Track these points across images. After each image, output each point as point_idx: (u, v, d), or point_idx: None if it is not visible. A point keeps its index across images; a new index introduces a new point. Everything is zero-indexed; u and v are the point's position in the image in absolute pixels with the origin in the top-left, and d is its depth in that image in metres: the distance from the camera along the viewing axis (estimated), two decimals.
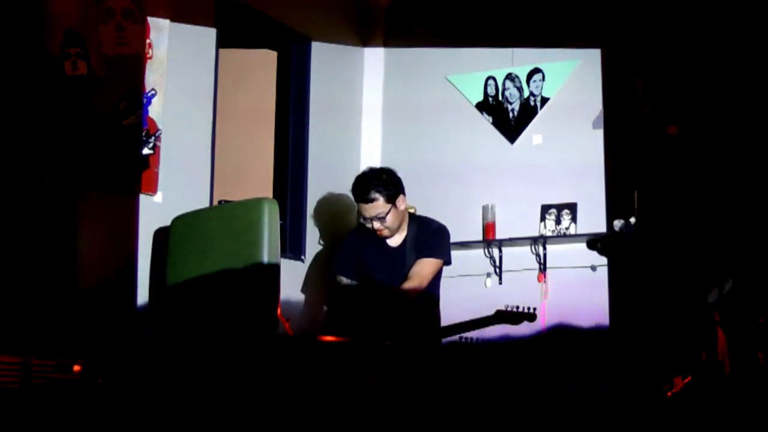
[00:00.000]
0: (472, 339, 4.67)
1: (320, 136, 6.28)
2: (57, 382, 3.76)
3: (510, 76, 6.37)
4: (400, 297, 4.47)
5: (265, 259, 3.75)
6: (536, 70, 6.30)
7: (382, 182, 4.56)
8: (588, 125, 6.08)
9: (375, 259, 4.71)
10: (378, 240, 4.67)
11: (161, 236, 4.80)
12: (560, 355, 5.76)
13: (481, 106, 6.45)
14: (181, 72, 5.23)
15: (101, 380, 4.01)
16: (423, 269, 4.59)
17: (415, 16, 6.81)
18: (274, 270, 3.76)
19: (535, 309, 4.24)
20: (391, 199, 4.57)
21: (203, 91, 5.45)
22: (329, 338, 4.23)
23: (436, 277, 4.67)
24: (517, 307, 4.25)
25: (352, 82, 6.73)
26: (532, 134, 6.27)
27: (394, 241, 4.71)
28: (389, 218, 4.58)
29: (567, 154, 6.13)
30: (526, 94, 6.30)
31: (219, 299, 3.84)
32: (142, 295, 4.84)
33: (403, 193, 4.66)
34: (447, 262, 4.71)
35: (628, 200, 5.63)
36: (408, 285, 4.51)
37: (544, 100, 6.24)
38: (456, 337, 4.56)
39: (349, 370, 3.81)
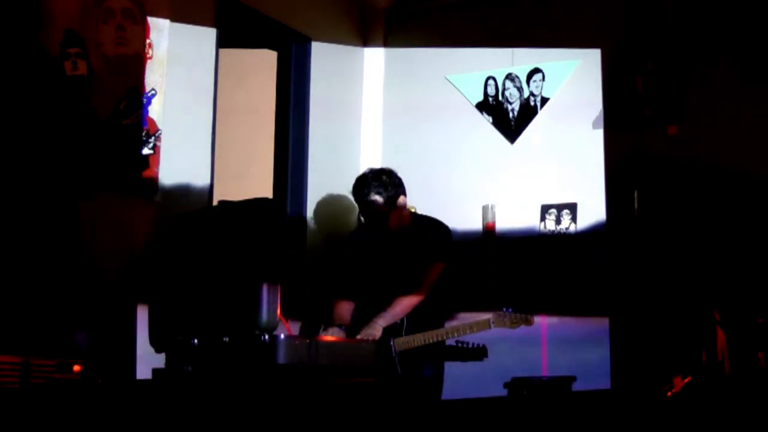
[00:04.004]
0: (468, 344, 4.68)
1: (320, 136, 6.28)
2: (57, 382, 3.76)
3: (510, 76, 6.37)
4: (408, 305, 4.46)
5: (265, 259, 3.75)
6: (536, 70, 6.30)
7: (382, 183, 4.56)
8: (588, 125, 6.07)
9: (376, 259, 4.71)
10: (379, 240, 4.67)
11: (161, 236, 4.80)
12: (559, 355, 5.77)
13: (481, 106, 6.45)
14: (181, 72, 5.23)
15: (101, 380, 4.01)
16: (430, 276, 4.56)
17: (415, 16, 6.81)
18: (274, 270, 3.76)
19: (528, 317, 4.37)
20: (392, 200, 4.57)
21: (203, 91, 5.45)
22: (329, 338, 4.23)
23: (441, 280, 4.65)
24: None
25: (352, 82, 6.73)
26: (532, 134, 6.27)
27: (395, 241, 4.70)
28: (390, 219, 4.58)
29: (567, 154, 6.13)
30: (526, 94, 6.30)
31: (219, 299, 3.84)
32: (143, 295, 4.84)
33: (404, 194, 4.66)
34: (450, 263, 4.71)
35: (628, 200, 5.63)
36: (415, 292, 4.50)
37: (544, 100, 6.24)
38: (453, 341, 4.57)
39: (349, 370, 3.81)
